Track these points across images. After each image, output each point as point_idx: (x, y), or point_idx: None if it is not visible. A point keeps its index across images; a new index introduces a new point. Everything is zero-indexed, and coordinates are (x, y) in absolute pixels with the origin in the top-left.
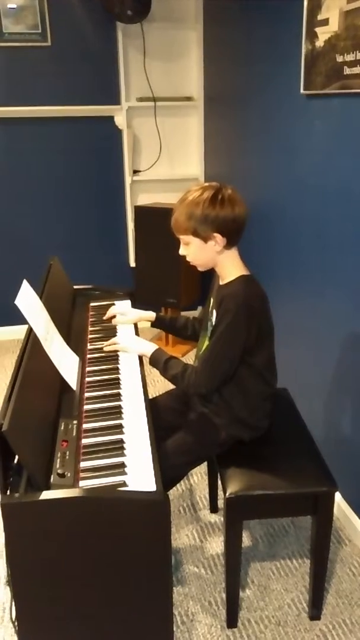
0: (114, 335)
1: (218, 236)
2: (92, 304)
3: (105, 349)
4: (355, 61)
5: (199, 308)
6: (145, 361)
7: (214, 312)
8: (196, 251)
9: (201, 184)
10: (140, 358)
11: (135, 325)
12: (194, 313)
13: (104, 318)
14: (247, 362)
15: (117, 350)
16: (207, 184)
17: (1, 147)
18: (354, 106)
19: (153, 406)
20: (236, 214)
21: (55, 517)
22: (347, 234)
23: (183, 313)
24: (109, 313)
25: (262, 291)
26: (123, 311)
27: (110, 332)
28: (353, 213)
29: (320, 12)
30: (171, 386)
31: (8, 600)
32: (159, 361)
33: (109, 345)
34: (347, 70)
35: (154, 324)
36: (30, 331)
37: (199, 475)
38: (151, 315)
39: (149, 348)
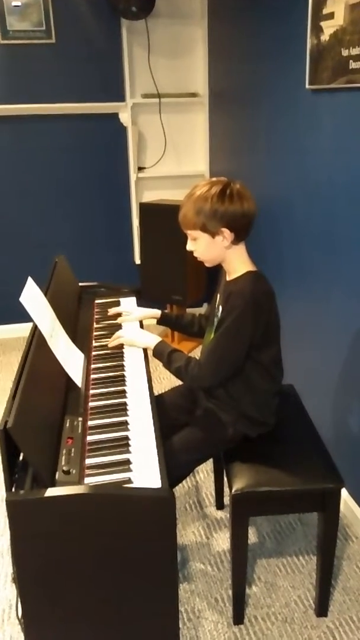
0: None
1: (226, 231)
2: (97, 301)
3: (110, 344)
4: None
5: (205, 305)
6: (150, 354)
7: (220, 307)
8: (204, 247)
9: (209, 180)
10: (146, 355)
11: (141, 322)
12: (200, 310)
13: (109, 313)
14: (254, 358)
15: (122, 344)
16: (215, 179)
17: (6, 144)
18: None
19: (159, 403)
20: (245, 209)
21: (60, 514)
22: (355, 230)
23: (189, 310)
24: (113, 311)
25: (269, 288)
26: (128, 310)
27: (115, 329)
28: None
29: (326, 6)
30: (177, 383)
31: (14, 597)
32: (162, 353)
33: (114, 339)
34: (353, 65)
35: (160, 322)
36: (35, 328)
37: (204, 472)
38: (157, 312)
39: (152, 340)
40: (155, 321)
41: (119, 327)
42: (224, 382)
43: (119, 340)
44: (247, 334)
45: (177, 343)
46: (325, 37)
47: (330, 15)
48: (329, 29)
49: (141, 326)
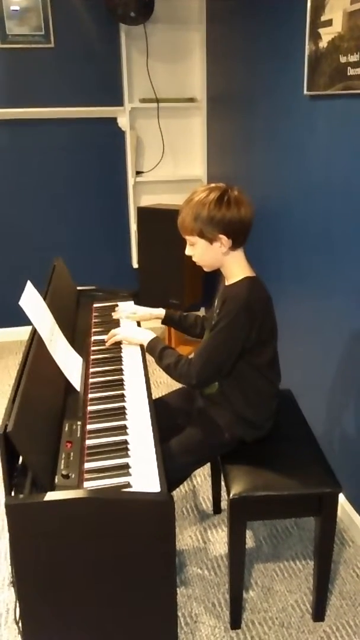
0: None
1: (224, 237)
2: (95, 305)
3: (107, 343)
4: (359, 62)
5: (202, 309)
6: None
7: (217, 311)
8: (202, 252)
9: (207, 185)
10: (144, 358)
11: (138, 323)
12: (197, 314)
13: (114, 317)
14: (250, 361)
15: (118, 342)
16: (213, 185)
17: (5, 148)
18: (358, 107)
19: (159, 406)
20: (242, 216)
21: (59, 518)
22: (353, 234)
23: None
24: (118, 316)
25: (265, 293)
26: (133, 310)
27: (113, 328)
28: (358, 214)
29: (324, 12)
30: (175, 387)
31: (12, 601)
32: (154, 349)
33: (110, 337)
34: (351, 71)
35: (164, 321)
36: (34, 332)
37: (202, 477)
38: (161, 312)
39: (146, 336)
40: (159, 322)
41: (116, 327)
42: (211, 382)
43: (115, 338)
44: (239, 338)
45: (175, 346)
46: (323, 43)
47: (329, 22)
48: (327, 35)
49: (138, 325)
